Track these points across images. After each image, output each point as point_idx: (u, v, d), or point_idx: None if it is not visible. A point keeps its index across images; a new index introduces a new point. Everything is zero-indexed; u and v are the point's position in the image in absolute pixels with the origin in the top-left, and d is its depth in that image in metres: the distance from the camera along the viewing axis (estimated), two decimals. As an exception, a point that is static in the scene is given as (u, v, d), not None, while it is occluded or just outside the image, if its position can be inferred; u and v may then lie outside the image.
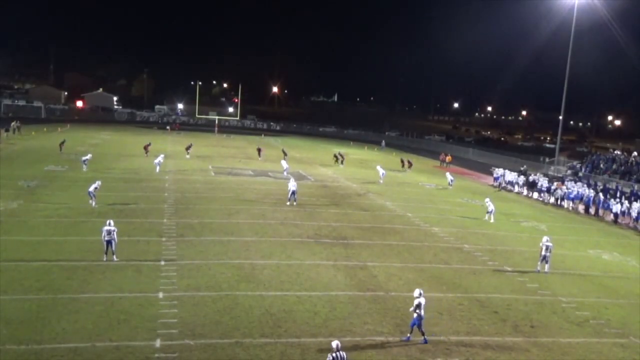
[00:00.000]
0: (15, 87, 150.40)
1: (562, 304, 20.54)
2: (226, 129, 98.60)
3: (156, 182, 38.75)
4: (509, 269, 24.50)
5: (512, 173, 52.19)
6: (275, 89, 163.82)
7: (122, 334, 15.35)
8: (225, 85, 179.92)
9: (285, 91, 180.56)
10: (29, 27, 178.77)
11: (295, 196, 34.50)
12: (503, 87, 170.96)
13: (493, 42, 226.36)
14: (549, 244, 23.90)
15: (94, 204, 30.01)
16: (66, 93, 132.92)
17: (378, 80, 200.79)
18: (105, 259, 21.02)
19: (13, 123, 65.55)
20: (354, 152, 75.88)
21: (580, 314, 19.72)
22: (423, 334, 16.18)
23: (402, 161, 60.41)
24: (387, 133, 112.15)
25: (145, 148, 52.53)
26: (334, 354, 12.97)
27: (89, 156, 43.03)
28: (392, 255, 25.09)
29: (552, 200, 44.56)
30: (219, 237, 25.92)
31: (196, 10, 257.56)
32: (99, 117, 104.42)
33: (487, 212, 34.28)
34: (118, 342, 14.87)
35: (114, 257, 21.15)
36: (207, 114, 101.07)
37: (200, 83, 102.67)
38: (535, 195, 46.84)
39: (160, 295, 18.29)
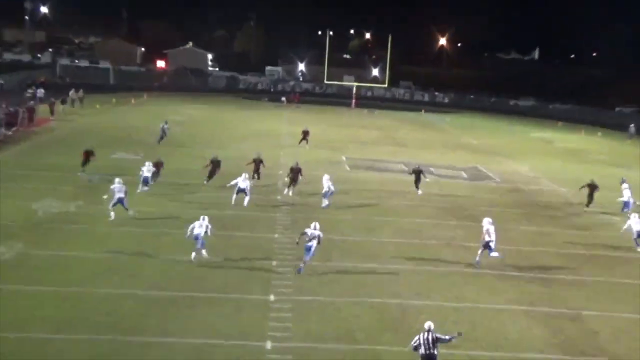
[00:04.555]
0: (76, 41, 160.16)
1: None
2: (368, 101, 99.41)
3: (265, 179, 39.43)
4: None
5: None
6: (442, 42, 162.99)
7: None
8: (367, 36, 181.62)
9: (459, 44, 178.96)
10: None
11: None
12: None
13: None
14: (490, 226, 26.44)
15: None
16: (143, 49, 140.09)
17: (603, 27, 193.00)
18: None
19: (72, 92, 69.82)
20: (563, 139, 73.85)
21: None
22: (304, 263, 24.14)
23: None
24: (617, 109, 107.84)
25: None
26: (424, 334, 15.70)
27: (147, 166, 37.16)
28: (622, 300, 24.30)
29: None
30: (354, 262, 26.32)
31: None
32: (187, 84, 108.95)
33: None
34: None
35: (130, 212, 25.97)
36: (341, 80, 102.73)
37: (331, 33, 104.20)
38: None
39: (269, 345, 18.82)
